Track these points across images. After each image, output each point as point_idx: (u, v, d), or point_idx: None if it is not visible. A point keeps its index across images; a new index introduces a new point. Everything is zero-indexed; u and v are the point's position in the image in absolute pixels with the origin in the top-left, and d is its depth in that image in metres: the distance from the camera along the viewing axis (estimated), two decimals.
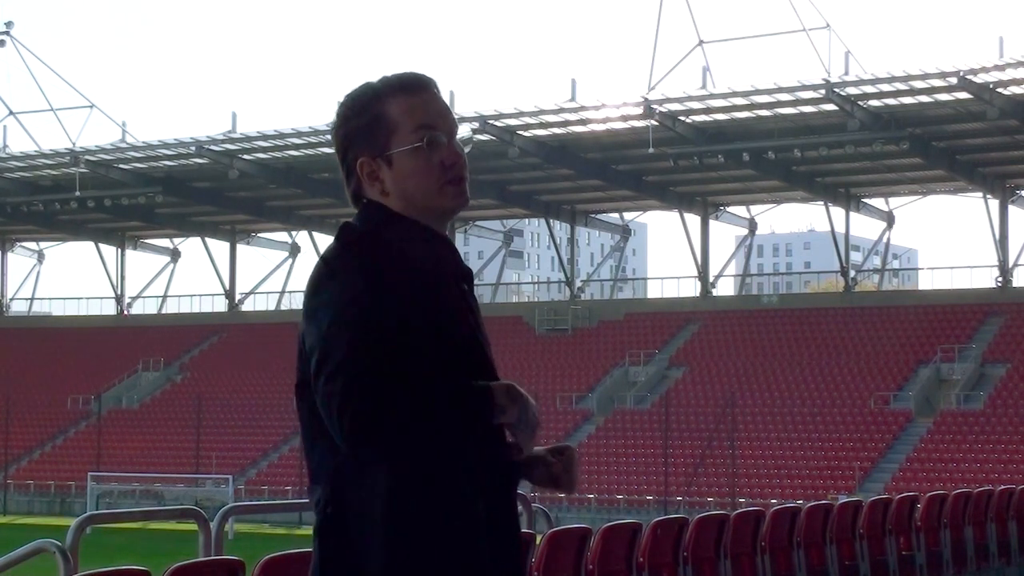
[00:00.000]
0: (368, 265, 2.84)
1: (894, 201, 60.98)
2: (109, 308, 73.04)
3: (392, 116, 2.95)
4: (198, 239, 70.14)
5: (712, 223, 62.13)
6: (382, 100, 2.96)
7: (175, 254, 72.57)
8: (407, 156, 2.94)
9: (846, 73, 48.47)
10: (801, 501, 25.51)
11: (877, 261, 66.55)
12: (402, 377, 2.76)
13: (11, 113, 64.81)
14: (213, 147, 55.81)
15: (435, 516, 2.81)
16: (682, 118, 50.18)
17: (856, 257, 69.90)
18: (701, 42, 53.52)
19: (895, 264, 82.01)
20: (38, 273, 75.16)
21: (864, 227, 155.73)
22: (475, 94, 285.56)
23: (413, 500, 2.81)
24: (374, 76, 3.07)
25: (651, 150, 50.00)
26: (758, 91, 47.49)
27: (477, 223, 67.46)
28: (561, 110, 50.80)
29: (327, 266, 2.87)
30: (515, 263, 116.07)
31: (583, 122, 51.63)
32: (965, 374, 51.92)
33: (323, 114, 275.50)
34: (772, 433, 50.86)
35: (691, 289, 62.82)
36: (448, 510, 2.82)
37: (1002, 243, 56.27)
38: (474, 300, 3.06)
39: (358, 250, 2.87)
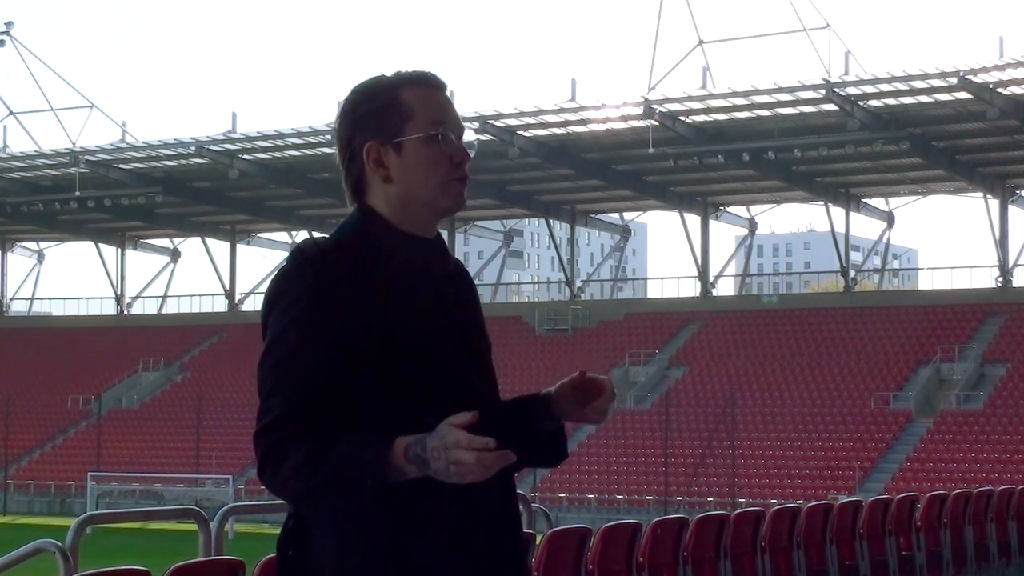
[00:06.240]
0: (313, 286, 2.77)
1: (894, 201, 61.01)
2: (109, 308, 73.08)
3: (407, 103, 2.90)
4: (198, 239, 70.14)
5: (712, 223, 62.11)
6: (397, 88, 2.92)
7: (175, 254, 72.57)
8: (419, 145, 2.89)
9: (846, 73, 48.47)
10: (801, 501, 25.53)
11: (877, 261, 66.51)
12: (316, 421, 2.70)
13: (11, 113, 64.82)
14: (213, 147, 55.79)
15: (385, 524, 2.75)
16: (682, 118, 50.17)
17: (856, 257, 69.86)
18: (701, 42, 53.55)
19: (895, 264, 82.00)
20: (38, 273, 75.26)
21: (864, 227, 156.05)
22: (475, 94, 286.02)
23: (363, 508, 2.73)
24: (375, 76, 3.04)
25: (651, 150, 49.98)
26: (758, 91, 47.48)
27: (477, 223, 67.45)
28: (561, 110, 50.79)
29: (274, 286, 2.83)
30: (515, 263, 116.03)
31: (583, 122, 51.61)
32: (965, 374, 51.93)
33: (323, 114, 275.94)
34: (772, 433, 50.85)
35: (691, 289, 62.84)
36: (400, 518, 2.75)
37: (1002, 243, 56.25)
38: (471, 298, 3.01)
39: (305, 270, 2.80)
